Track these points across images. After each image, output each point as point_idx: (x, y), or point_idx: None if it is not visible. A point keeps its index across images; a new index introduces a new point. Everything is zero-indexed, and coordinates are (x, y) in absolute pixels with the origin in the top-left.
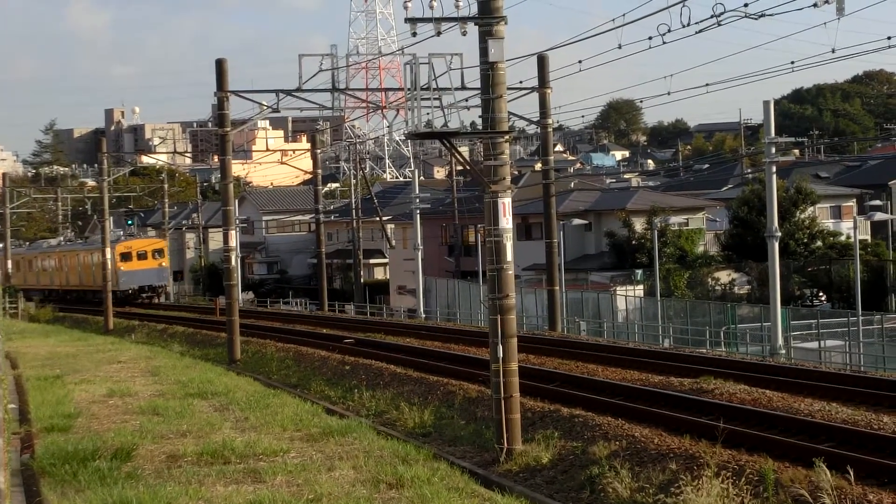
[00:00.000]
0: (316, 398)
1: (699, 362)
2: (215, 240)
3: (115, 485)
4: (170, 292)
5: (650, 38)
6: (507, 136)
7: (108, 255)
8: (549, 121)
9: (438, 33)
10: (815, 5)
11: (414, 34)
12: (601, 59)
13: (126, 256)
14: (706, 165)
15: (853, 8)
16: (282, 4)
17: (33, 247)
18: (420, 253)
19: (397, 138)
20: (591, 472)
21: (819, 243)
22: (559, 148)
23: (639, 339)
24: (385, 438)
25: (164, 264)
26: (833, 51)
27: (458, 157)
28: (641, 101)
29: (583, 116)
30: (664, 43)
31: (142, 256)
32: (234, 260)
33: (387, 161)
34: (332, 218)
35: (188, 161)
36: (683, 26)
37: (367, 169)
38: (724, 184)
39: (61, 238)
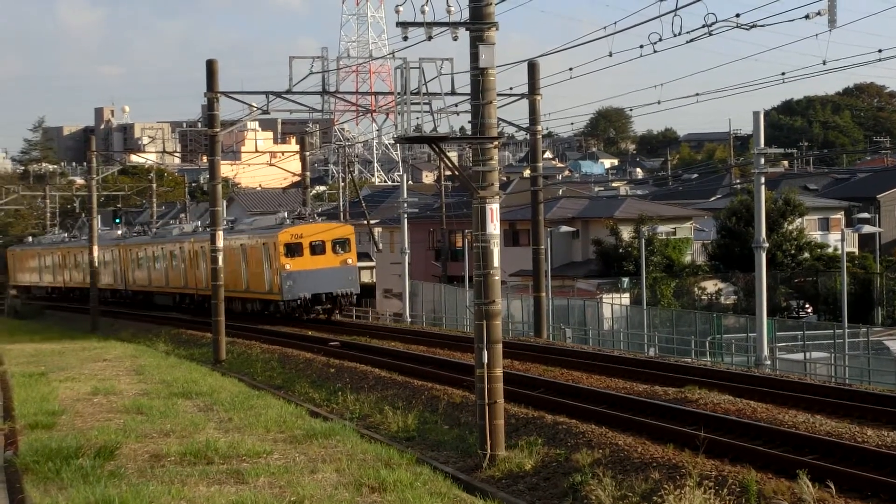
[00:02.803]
0: (300, 400)
1: (684, 372)
2: None
3: (97, 483)
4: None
5: (641, 46)
6: (496, 142)
7: (96, 253)
8: (539, 127)
9: (430, 38)
10: (806, 17)
11: (405, 38)
12: (592, 67)
13: (293, 250)
14: (695, 175)
15: (845, 20)
16: (272, 7)
17: (159, 235)
18: (407, 257)
19: (386, 142)
20: (574, 480)
21: (806, 255)
22: (548, 155)
23: (624, 347)
24: (368, 442)
25: (350, 261)
26: (824, 63)
27: (447, 161)
28: (631, 110)
29: (572, 124)
30: (655, 52)
31: (317, 249)
32: (221, 260)
33: (375, 165)
34: (320, 221)
35: (177, 161)
36: (675, 35)
37: (356, 172)
38: (713, 194)
39: (197, 223)
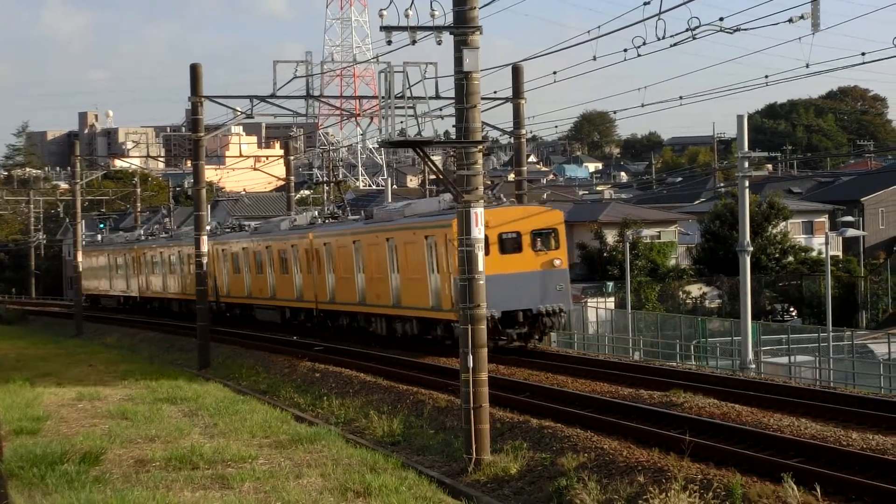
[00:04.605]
0: (285, 405)
1: (669, 375)
2: None
3: (82, 489)
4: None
5: (625, 50)
6: (480, 146)
7: (80, 258)
8: (523, 131)
9: (413, 42)
10: (790, 20)
11: (389, 42)
12: (576, 71)
13: None
14: (679, 179)
15: (828, 24)
16: (257, 12)
17: (262, 230)
18: None
19: (371, 146)
20: (559, 484)
21: (791, 258)
22: (532, 159)
23: (609, 351)
24: (354, 446)
25: (558, 262)
26: (807, 66)
27: (432, 165)
28: (615, 113)
29: (556, 127)
30: (639, 55)
31: (510, 245)
32: (206, 265)
33: (360, 169)
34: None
35: (161, 165)
36: (658, 39)
37: (340, 176)
38: (697, 197)
39: (314, 211)
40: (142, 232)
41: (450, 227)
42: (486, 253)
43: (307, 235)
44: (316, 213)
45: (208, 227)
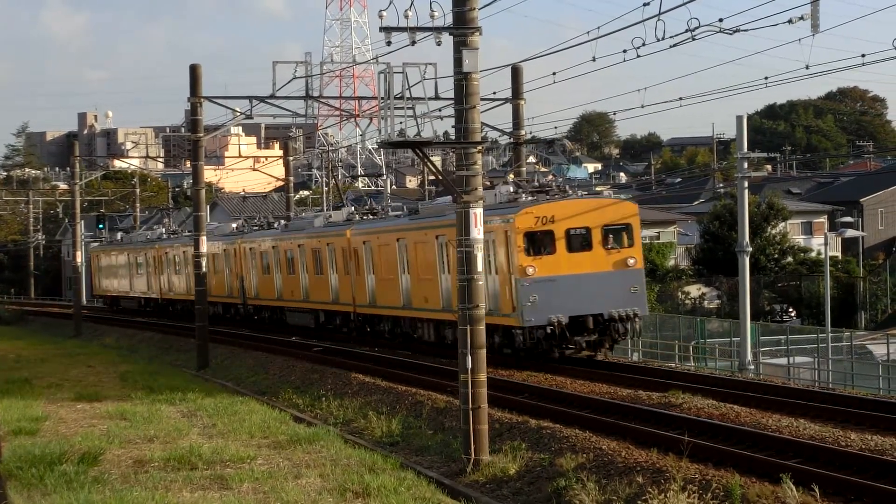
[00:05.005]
0: (284, 406)
1: (668, 376)
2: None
3: (81, 489)
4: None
5: (624, 51)
6: (479, 147)
7: (80, 259)
8: (522, 132)
9: (413, 43)
10: (790, 21)
11: (388, 43)
12: (575, 72)
13: (539, 242)
14: (678, 179)
15: (828, 25)
16: (256, 12)
17: (294, 227)
18: None
19: (370, 147)
20: (558, 484)
21: (790, 259)
22: (532, 159)
23: (608, 351)
24: (352, 447)
25: (632, 261)
26: (807, 67)
27: (431, 166)
28: (615, 114)
29: (556, 128)
30: (638, 56)
31: (578, 242)
32: (205, 265)
33: (359, 169)
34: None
35: (160, 166)
36: (658, 40)
37: (339, 177)
38: (696, 198)
39: (351, 208)
40: (164, 230)
41: (510, 223)
42: (552, 251)
43: (344, 233)
44: (353, 208)
45: (234, 226)
